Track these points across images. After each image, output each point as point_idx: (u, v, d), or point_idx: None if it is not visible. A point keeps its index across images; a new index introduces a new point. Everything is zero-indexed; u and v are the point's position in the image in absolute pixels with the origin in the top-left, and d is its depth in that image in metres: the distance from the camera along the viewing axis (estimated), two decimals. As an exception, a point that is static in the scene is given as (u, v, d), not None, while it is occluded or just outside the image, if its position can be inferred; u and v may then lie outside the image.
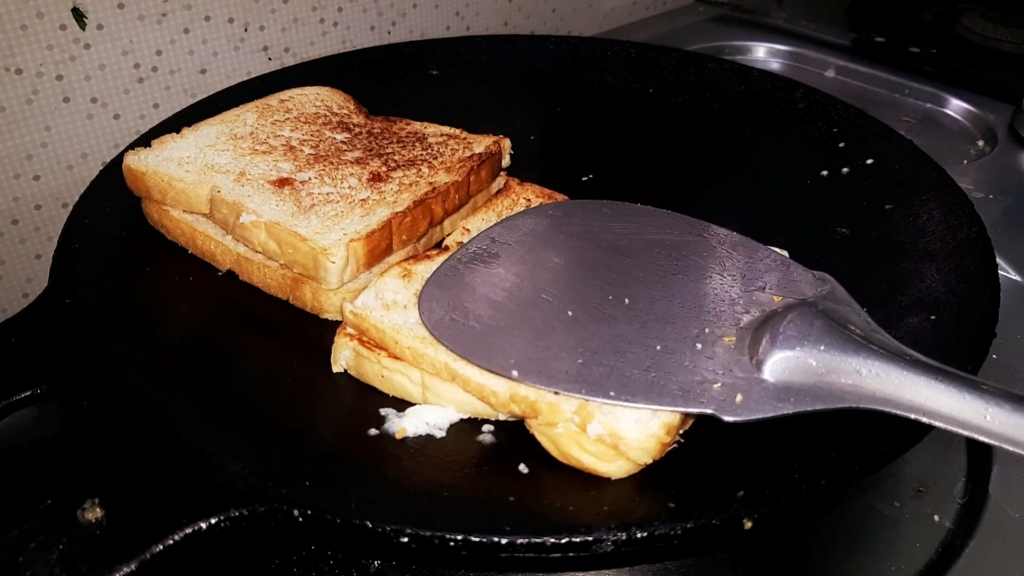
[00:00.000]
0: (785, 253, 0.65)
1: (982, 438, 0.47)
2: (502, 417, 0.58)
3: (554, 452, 0.54)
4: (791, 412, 0.50)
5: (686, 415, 0.53)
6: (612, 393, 0.52)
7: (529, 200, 0.75)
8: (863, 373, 0.50)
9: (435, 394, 0.59)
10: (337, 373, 0.63)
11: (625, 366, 0.53)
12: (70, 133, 1.02)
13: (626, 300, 0.58)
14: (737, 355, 0.53)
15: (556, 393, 0.53)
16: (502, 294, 0.60)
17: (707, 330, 0.55)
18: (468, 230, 0.72)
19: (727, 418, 0.50)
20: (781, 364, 0.52)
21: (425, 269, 0.65)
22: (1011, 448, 0.46)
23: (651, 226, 0.66)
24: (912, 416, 0.48)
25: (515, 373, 0.53)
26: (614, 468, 0.52)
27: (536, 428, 0.55)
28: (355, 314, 0.61)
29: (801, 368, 0.51)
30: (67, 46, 0.98)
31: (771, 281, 0.60)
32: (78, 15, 0.98)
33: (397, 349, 0.59)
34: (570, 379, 0.52)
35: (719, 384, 0.52)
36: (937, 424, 0.48)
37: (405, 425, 0.57)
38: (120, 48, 1.02)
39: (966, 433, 0.47)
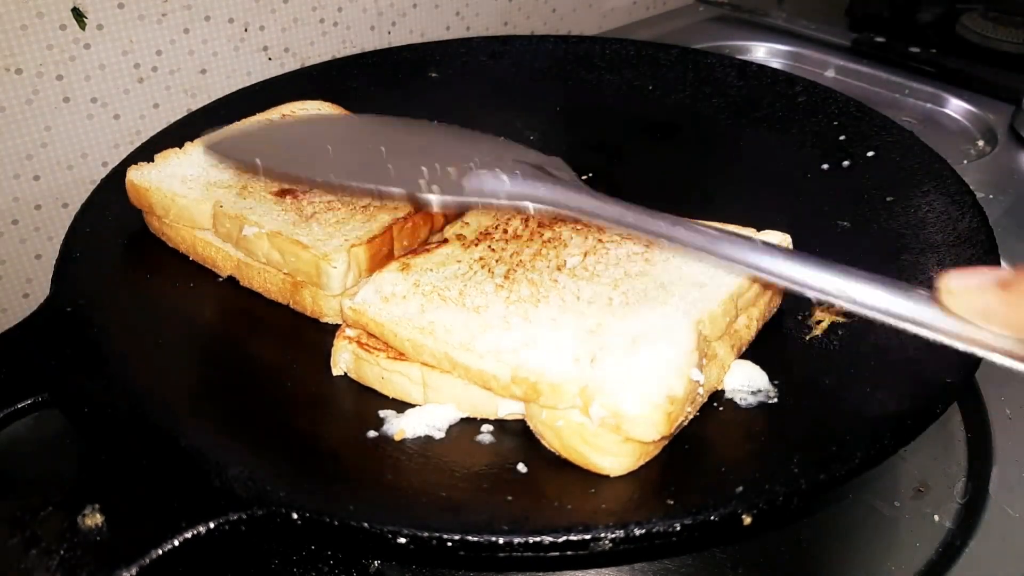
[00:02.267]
0: (788, 238, 0.66)
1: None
2: (501, 415, 0.58)
3: (556, 446, 0.54)
4: (472, 200, 0.60)
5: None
6: (331, 176, 0.61)
7: None
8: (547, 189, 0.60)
9: (435, 391, 0.59)
10: (337, 376, 0.63)
11: (354, 169, 0.62)
12: (70, 133, 1.02)
13: (381, 149, 0.66)
14: (452, 173, 0.62)
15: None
16: (281, 136, 0.70)
17: (437, 165, 0.63)
18: (467, 223, 0.72)
19: (417, 194, 0.60)
20: (479, 178, 0.60)
21: (424, 261, 0.65)
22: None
23: (437, 128, 0.76)
24: (556, 210, 0.59)
25: (258, 161, 0.62)
26: (615, 462, 0.52)
27: (537, 422, 0.55)
28: (354, 310, 0.61)
29: (493, 182, 0.60)
30: (67, 46, 0.98)
31: (510, 154, 0.66)
32: (78, 15, 0.98)
33: (396, 342, 0.59)
34: (302, 170, 0.62)
35: (423, 182, 0.60)
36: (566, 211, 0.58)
37: (404, 426, 0.57)
38: (120, 48, 1.02)
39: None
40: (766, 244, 0.53)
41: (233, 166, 0.68)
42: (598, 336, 0.56)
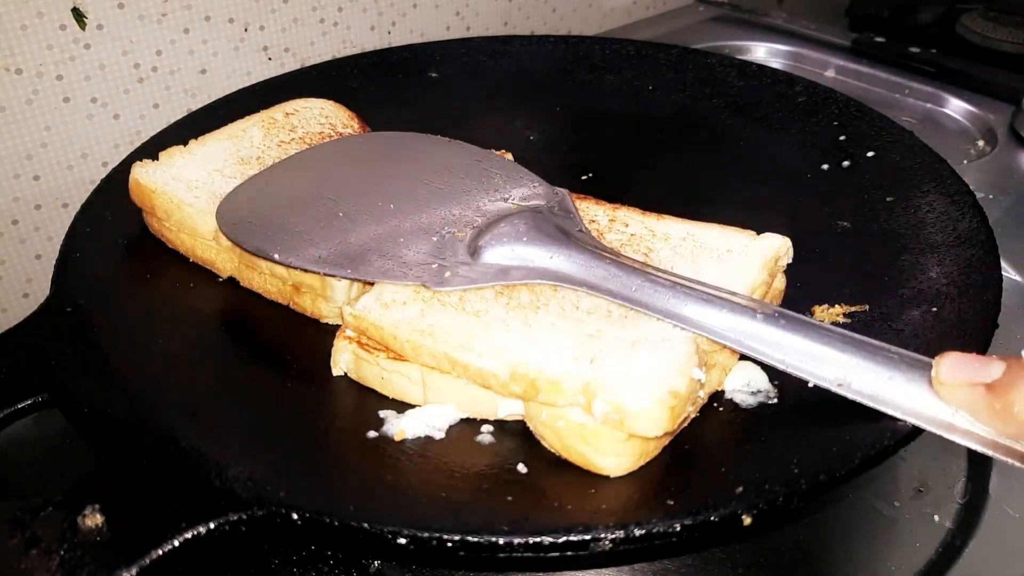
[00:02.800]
0: (788, 242, 0.66)
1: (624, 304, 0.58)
2: (501, 415, 0.58)
3: (556, 446, 0.54)
4: (486, 284, 0.61)
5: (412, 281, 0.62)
6: (349, 271, 0.63)
7: None
8: (551, 258, 0.61)
9: (435, 391, 0.59)
10: (337, 377, 0.63)
11: (366, 254, 0.64)
12: (70, 133, 1.02)
13: (391, 206, 0.69)
14: (461, 247, 0.64)
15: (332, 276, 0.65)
16: (292, 199, 0.71)
17: (447, 230, 0.66)
18: None
19: (432, 287, 0.61)
20: (489, 252, 0.62)
21: None
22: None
23: (443, 153, 0.78)
24: (581, 290, 0.59)
25: (276, 256, 0.64)
26: (616, 462, 0.52)
27: (537, 422, 0.55)
28: (355, 316, 0.61)
29: (505, 255, 0.62)
30: (67, 46, 0.98)
31: (516, 195, 0.70)
32: (78, 15, 0.98)
33: (396, 345, 0.59)
34: (318, 261, 0.64)
35: (436, 265, 0.62)
36: (605, 296, 0.58)
37: (404, 427, 0.57)
38: (120, 48, 1.02)
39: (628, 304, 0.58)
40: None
41: (254, 253, 0.68)
42: (597, 340, 0.56)
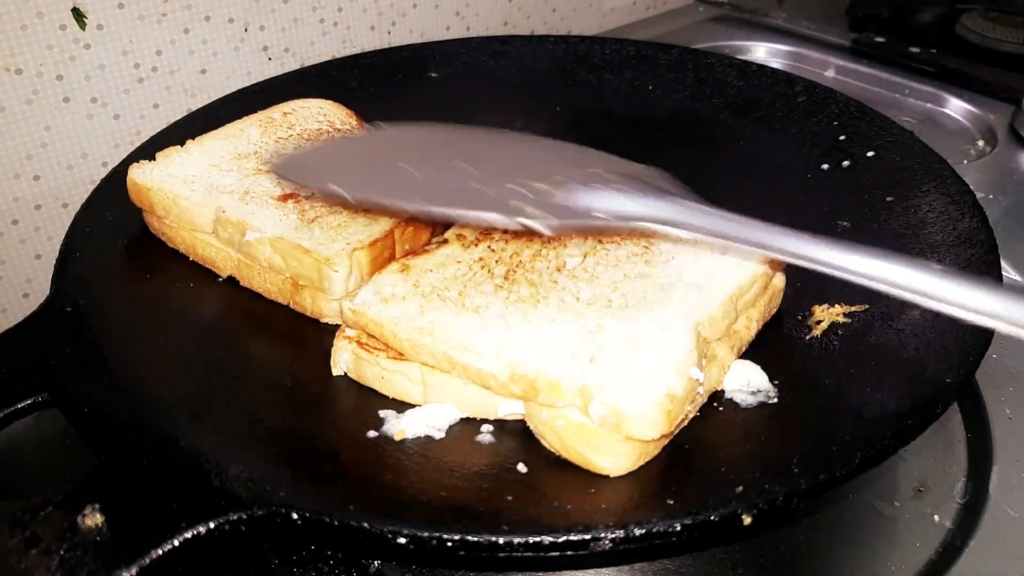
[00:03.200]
0: None
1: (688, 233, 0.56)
2: (501, 414, 0.58)
3: (557, 446, 0.54)
4: (585, 224, 0.58)
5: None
6: (435, 209, 0.59)
7: None
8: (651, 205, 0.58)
9: (435, 391, 0.59)
10: (337, 376, 0.63)
11: (451, 196, 0.59)
12: (70, 133, 1.02)
13: (460, 164, 0.63)
14: (552, 192, 0.60)
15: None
16: (362, 160, 0.68)
17: (534, 182, 0.61)
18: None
19: (528, 222, 0.56)
20: (580, 196, 0.59)
21: (423, 262, 0.65)
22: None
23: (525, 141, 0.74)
24: (667, 230, 0.57)
25: (346, 193, 0.60)
26: (615, 462, 0.52)
27: (537, 422, 0.55)
28: (354, 311, 0.61)
29: (602, 199, 0.58)
30: (67, 46, 0.98)
31: (613, 167, 0.65)
32: (78, 15, 0.98)
33: (396, 343, 0.59)
34: (398, 197, 0.59)
35: (518, 202, 0.58)
36: (676, 232, 0.56)
37: (404, 426, 0.57)
38: (120, 48, 1.02)
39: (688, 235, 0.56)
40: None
41: (316, 195, 0.65)
42: (597, 336, 0.56)
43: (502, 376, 0.54)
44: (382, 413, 0.59)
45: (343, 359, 0.62)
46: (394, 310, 0.60)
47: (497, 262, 0.65)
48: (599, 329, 0.57)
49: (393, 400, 0.60)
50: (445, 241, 0.69)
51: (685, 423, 0.55)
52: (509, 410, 0.58)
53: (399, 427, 0.57)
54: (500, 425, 0.58)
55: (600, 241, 0.67)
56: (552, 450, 0.55)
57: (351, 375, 0.62)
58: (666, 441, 0.54)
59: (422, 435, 0.57)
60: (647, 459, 0.53)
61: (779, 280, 0.67)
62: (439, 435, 0.57)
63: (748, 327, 0.63)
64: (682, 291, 0.61)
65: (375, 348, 0.60)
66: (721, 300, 0.60)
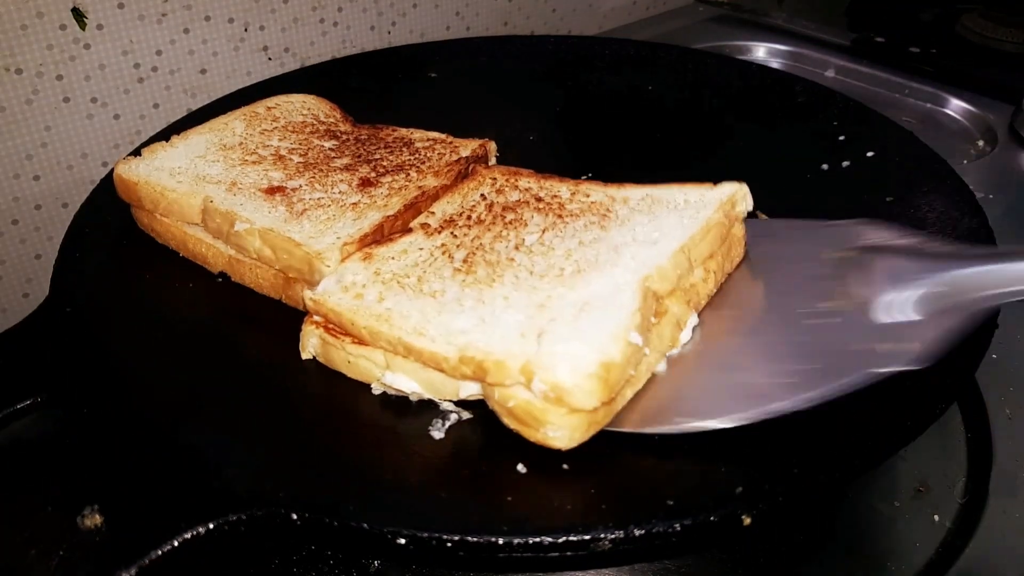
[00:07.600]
0: None
1: None
2: (463, 396, 0.57)
3: (513, 425, 0.54)
4: (959, 324, 0.52)
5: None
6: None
7: (495, 179, 0.74)
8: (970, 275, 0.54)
9: (398, 375, 0.59)
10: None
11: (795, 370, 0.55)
12: (70, 133, 1.02)
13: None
14: (872, 317, 0.55)
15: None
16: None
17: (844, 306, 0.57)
18: (433, 212, 0.71)
19: (919, 367, 0.51)
20: (921, 302, 0.55)
21: (386, 251, 0.65)
22: None
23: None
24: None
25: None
26: (565, 435, 0.52)
27: (494, 403, 0.55)
28: (314, 300, 0.61)
29: (936, 296, 0.55)
30: (67, 46, 0.98)
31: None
32: (78, 15, 0.98)
33: (354, 330, 0.59)
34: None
35: (887, 345, 0.54)
36: None
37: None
38: (120, 48, 1.02)
39: None
40: None
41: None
42: (547, 309, 0.56)
43: (452, 359, 0.54)
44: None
45: (311, 344, 0.62)
46: (353, 299, 0.60)
47: (458, 247, 0.65)
48: (548, 301, 0.57)
49: (397, 391, 0.60)
50: (409, 230, 0.69)
51: (639, 387, 0.55)
52: (470, 391, 0.57)
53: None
54: (500, 425, 0.58)
55: (560, 216, 0.67)
56: (512, 429, 0.55)
57: (320, 359, 0.63)
58: (617, 406, 0.54)
59: (405, 391, 0.58)
60: (597, 429, 0.53)
61: (738, 229, 0.67)
62: (439, 435, 0.57)
63: (706, 280, 0.63)
64: (634, 248, 0.61)
65: (341, 333, 0.60)
66: (671, 251, 0.60)
